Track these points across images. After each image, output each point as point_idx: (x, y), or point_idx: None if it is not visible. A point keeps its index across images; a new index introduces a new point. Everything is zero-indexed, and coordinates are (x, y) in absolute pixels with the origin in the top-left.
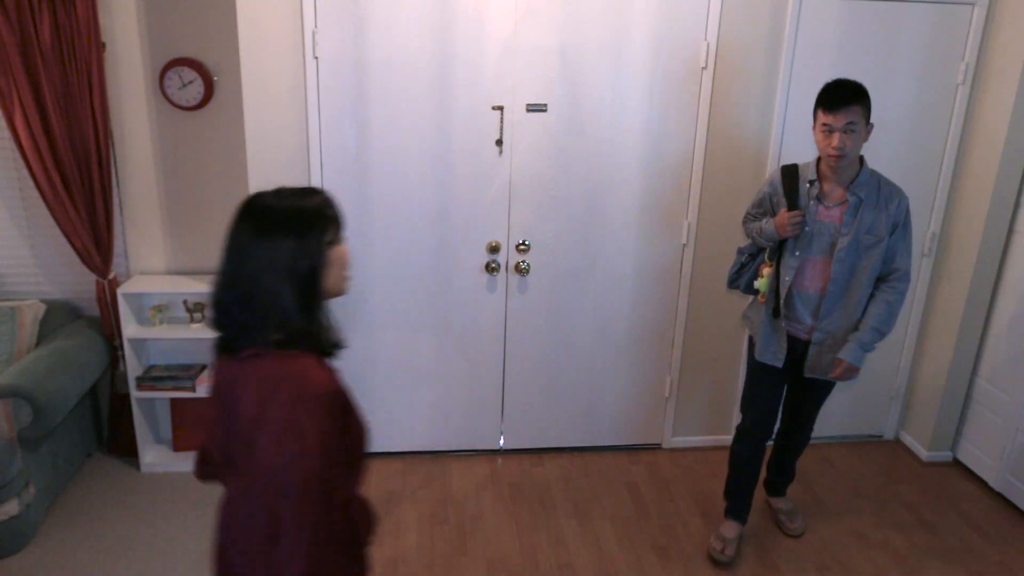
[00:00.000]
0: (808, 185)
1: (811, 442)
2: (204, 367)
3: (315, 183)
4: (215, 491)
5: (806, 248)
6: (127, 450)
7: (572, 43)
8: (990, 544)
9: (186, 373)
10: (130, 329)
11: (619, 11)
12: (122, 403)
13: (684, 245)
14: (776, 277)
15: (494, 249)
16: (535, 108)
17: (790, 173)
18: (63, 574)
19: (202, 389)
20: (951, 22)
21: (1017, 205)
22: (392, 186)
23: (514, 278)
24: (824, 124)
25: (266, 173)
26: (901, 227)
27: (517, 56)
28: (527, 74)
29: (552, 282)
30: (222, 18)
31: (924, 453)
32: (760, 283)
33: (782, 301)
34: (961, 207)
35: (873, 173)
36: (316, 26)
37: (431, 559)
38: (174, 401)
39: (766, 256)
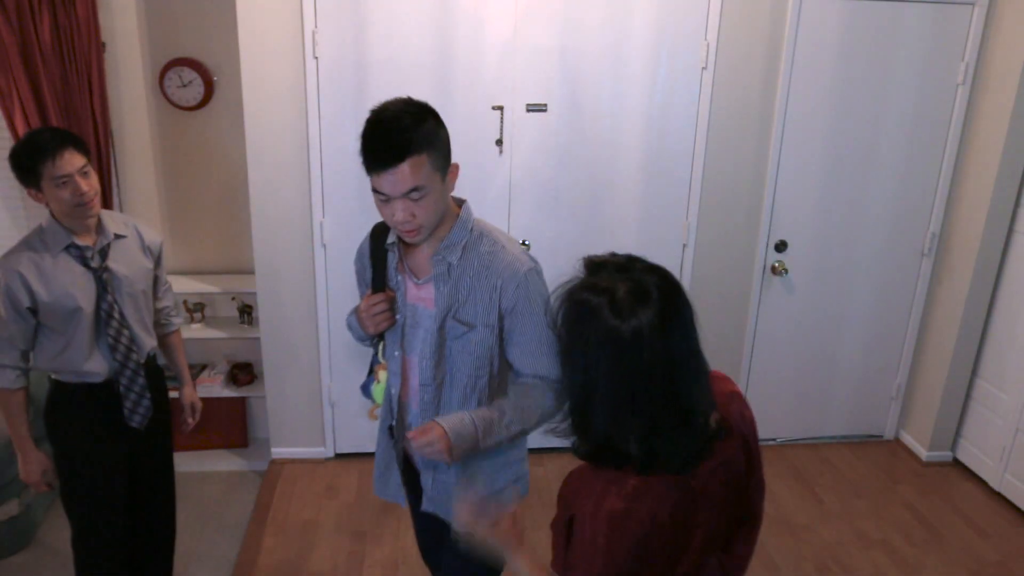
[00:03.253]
0: (391, 253)
1: (811, 442)
2: (204, 367)
3: (315, 183)
4: (216, 490)
5: (409, 345)
6: None
7: (572, 43)
8: (990, 544)
9: None
10: None
11: (619, 11)
12: None
13: (684, 245)
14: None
15: None
16: (535, 108)
17: (379, 235)
18: (63, 574)
19: (203, 389)
20: (951, 22)
21: (1017, 205)
22: None
23: None
24: (376, 192)
25: (266, 173)
26: (521, 316)
27: (517, 56)
28: (527, 74)
29: (551, 282)
30: (222, 18)
31: (924, 453)
32: (376, 390)
33: (394, 417)
34: (961, 207)
35: (477, 228)
36: (316, 26)
37: None
38: (174, 401)
39: (379, 353)
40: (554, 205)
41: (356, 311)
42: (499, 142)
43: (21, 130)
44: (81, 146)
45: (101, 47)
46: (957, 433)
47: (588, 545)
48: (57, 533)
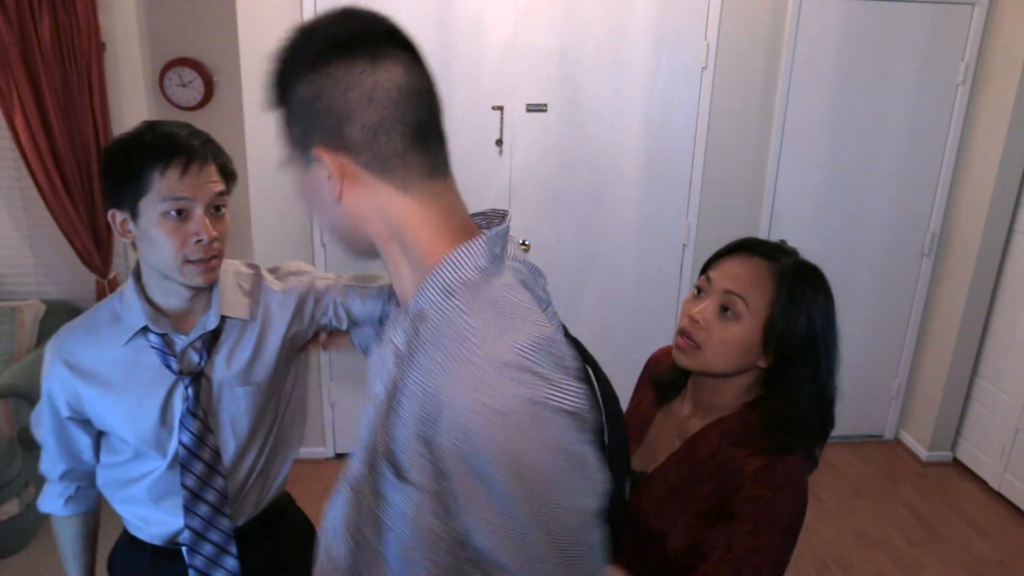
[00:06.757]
0: None
1: None
2: None
3: None
4: None
5: None
6: None
7: (572, 43)
8: (990, 544)
9: None
10: None
11: (619, 11)
12: None
13: (684, 245)
14: None
15: None
16: (535, 108)
17: None
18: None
19: None
20: (951, 22)
21: (1017, 205)
22: None
23: None
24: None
25: (266, 173)
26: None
27: (517, 56)
28: (527, 74)
29: (552, 282)
30: (222, 18)
31: (924, 453)
32: None
33: None
34: (961, 207)
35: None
36: None
37: None
38: None
39: None
40: (554, 205)
41: None
42: (499, 142)
43: (21, 130)
44: None
45: (101, 47)
46: (957, 433)
47: (775, 525)
48: None
